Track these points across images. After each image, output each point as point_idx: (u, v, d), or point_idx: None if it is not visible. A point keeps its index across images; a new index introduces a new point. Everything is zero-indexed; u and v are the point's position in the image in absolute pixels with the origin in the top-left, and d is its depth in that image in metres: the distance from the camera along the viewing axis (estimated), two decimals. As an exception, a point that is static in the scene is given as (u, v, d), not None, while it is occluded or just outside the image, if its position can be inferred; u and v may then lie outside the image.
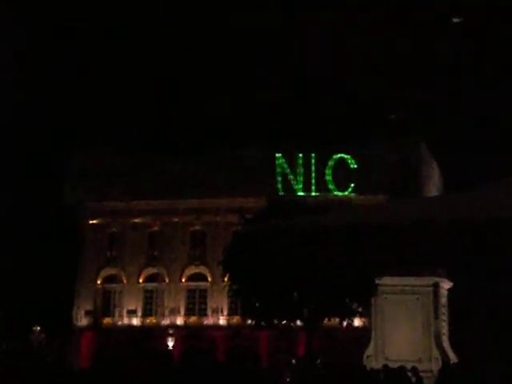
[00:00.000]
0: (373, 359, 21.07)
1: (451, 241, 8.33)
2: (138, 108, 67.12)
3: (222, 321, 65.00)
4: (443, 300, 23.20)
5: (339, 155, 64.65)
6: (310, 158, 65.17)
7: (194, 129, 63.87)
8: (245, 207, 55.98)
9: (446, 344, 22.94)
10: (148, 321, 66.16)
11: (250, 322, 42.91)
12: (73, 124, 65.53)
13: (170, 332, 63.06)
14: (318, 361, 18.55)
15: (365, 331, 28.45)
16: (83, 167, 66.93)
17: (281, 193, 63.84)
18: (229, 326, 63.82)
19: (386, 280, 21.92)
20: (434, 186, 66.24)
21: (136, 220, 67.42)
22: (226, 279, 51.36)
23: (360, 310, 35.51)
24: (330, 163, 65.00)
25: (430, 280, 22.28)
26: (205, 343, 58.51)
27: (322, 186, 64.49)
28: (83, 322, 66.31)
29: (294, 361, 30.50)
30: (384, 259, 10.08)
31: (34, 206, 64.97)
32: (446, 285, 23.22)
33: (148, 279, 67.16)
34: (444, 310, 23.28)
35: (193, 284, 66.59)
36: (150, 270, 67.04)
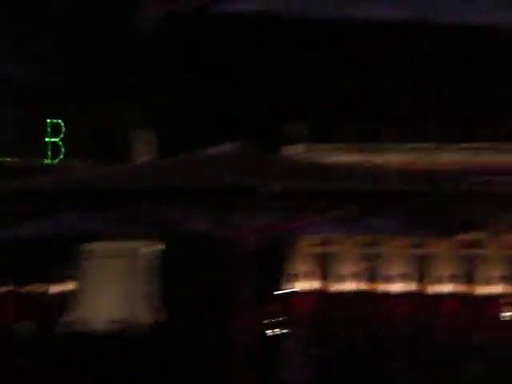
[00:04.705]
0: (78, 323, 21.20)
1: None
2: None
3: None
4: (150, 262, 23.83)
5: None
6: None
7: None
8: None
9: (154, 304, 23.61)
10: None
11: None
12: None
13: None
14: (28, 327, 18.66)
15: (71, 295, 28.51)
16: None
17: None
18: None
19: (92, 245, 22.28)
20: (147, 153, 66.90)
21: None
22: None
23: (66, 274, 35.41)
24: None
25: (136, 244, 22.86)
26: None
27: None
28: None
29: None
30: (92, 225, 10.27)
31: None
32: (152, 248, 23.85)
33: None
34: (150, 273, 23.90)
35: None
36: None
